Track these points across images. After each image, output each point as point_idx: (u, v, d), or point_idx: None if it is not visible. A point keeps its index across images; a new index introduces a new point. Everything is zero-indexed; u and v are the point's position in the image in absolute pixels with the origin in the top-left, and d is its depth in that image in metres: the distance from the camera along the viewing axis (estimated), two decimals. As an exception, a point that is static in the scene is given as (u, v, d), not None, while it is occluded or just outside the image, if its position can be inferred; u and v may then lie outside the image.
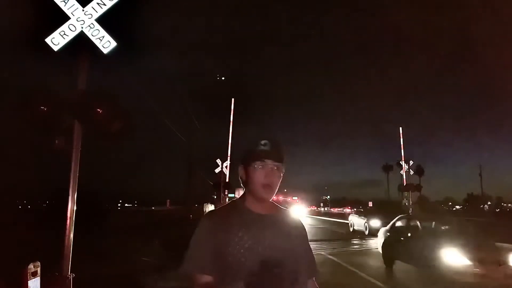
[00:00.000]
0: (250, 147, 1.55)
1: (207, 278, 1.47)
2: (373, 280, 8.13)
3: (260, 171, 1.52)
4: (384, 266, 9.78)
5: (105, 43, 4.37)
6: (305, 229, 1.70)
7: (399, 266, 9.40)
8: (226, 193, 23.92)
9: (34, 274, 3.67)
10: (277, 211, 1.64)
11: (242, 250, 1.45)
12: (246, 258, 1.44)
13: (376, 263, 10.37)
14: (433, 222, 9.42)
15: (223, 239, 1.47)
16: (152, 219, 27.48)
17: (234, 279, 1.42)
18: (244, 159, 1.57)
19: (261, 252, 1.46)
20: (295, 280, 1.51)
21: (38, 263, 3.75)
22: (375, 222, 20.14)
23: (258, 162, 1.52)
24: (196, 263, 1.49)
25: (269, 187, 1.52)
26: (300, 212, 42.41)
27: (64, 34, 4.34)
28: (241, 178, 1.60)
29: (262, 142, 1.53)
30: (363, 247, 14.66)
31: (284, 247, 1.51)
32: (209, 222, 1.56)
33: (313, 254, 1.71)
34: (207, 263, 1.47)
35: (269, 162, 1.52)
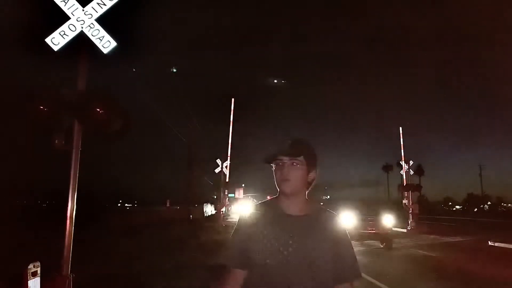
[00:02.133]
0: (273, 146, 1.67)
1: (239, 272, 1.55)
2: (376, 283, 8.13)
3: (278, 168, 1.61)
4: (384, 266, 9.80)
5: (105, 43, 4.37)
6: (345, 231, 1.67)
7: (400, 266, 9.39)
8: (226, 193, 23.93)
9: (34, 274, 3.67)
10: (313, 211, 1.65)
11: (264, 249, 1.49)
12: (266, 257, 1.49)
13: (376, 262, 10.38)
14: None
15: (253, 236, 1.54)
16: (152, 219, 27.45)
17: (259, 277, 1.49)
18: (268, 158, 1.67)
19: (281, 251, 1.50)
20: (319, 280, 1.51)
21: (38, 263, 3.75)
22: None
23: (276, 159, 1.62)
24: (233, 257, 1.57)
25: (286, 182, 1.59)
26: None
27: (64, 34, 4.34)
28: (274, 177, 1.67)
29: (283, 140, 1.65)
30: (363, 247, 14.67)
31: (309, 248, 1.52)
32: (247, 218, 1.65)
33: (354, 257, 1.67)
34: (242, 258, 1.54)
35: (285, 159, 1.60)
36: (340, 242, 1.63)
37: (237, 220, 1.69)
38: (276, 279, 1.47)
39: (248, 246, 1.53)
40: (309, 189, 1.66)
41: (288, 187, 1.59)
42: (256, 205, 1.73)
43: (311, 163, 1.63)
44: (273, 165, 1.64)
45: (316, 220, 1.62)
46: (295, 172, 1.59)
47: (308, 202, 1.66)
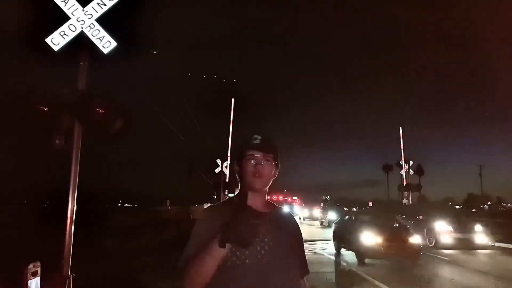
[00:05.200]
0: (242, 142, 1.65)
1: None
2: (376, 282, 8.13)
3: (250, 162, 1.59)
4: (384, 266, 9.78)
5: (105, 43, 4.38)
6: (299, 228, 1.72)
7: (400, 266, 9.39)
8: (226, 193, 23.92)
9: (34, 274, 3.67)
10: (272, 209, 1.67)
11: (233, 248, 1.44)
12: (244, 255, 1.46)
13: (376, 262, 10.38)
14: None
15: (217, 233, 1.47)
16: (152, 219, 27.44)
17: (226, 275, 1.44)
18: (237, 153, 1.66)
19: (259, 250, 1.48)
20: (287, 278, 1.52)
21: (38, 263, 3.75)
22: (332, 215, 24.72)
23: (248, 154, 1.60)
24: (190, 256, 1.51)
25: (258, 176, 1.58)
26: (299, 213, 41.83)
27: (64, 34, 4.34)
28: (236, 172, 1.66)
29: (253, 136, 1.62)
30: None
31: (276, 244, 1.53)
32: (205, 217, 1.64)
33: (305, 254, 1.73)
34: None
35: (258, 153, 1.59)
36: (298, 238, 1.68)
37: (197, 218, 1.65)
38: (256, 279, 1.45)
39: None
40: (268, 185, 1.66)
41: (260, 182, 1.59)
42: (217, 203, 1.72)
43: (277, 161, 1.64)
44: (240, 160, 1.61)
45: (279, 217, 1.65)
46: (267, 168, 1.59)
47: (267, 200, 1.68)
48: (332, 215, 25.93)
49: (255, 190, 1.59)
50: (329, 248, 13.62)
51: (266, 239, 1.51)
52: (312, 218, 37.23)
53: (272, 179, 1.65)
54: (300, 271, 1.63)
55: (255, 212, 1.51)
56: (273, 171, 1.63)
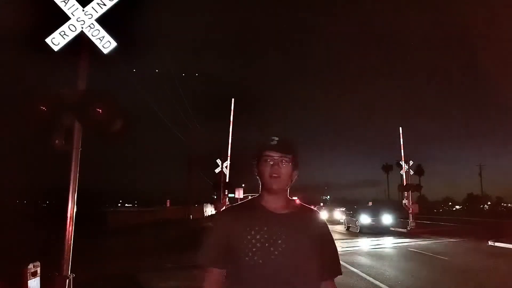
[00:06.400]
0: (260, 143, 1.65)
1: (219, 272, 1.53)
2: (376, 282, 8.13)
3: (268, 163, 1.59)
4: (386, 267, 9.80)
5: (105, 43, 4.37)
6: (327, 227, 1.69)
7: (401, 267, 9.37)
8: (226, 193, 23.90)
9: (34, 274, 3.67)
10: (296, 209, 1.65)
11: (254, 249, 1.47)
12: (257, 256, 1.47)
13: (378, 263, 10.38)
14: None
15: (236, 235, 1.51)
16: (152, 219, 27.46)
17: (245, 277, 1.47)
18: (255, 154, 1.65)
19: (272, 251, 1.48)
20: (307, 280, 1.51)
21: (38, 263, 3.75)
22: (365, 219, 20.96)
23: (265, 155, 1.60)
24: (209, 256, 1.55)
25: (276, 178, 1.57)
26: None
27: (64, 34, 4.34)
28: (255, 173, 1.66)
29: (270, 138, 1.63)
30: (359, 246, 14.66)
31: (298, 247, 1.52)
32: (224, 218, 1.65)
33: (336, 254, 1.69)
34: (219, 257, 1.52)
35: (275, 154, 1.59)
36: (324, 239, 1.64)
37: (213, 220, 1.69)
38: (269, 280, 1.46)
39: (232, 246, 1.51)
40: (289, 186, 1.66)
41: (278, 183, 1.58)
42: (236, 204, 1.73)
43: (296, 162, 1.64)
44: (258, 161, 1.62)
45: (300, 217, 1.62)
46: (284, 169, 1.59)
47: (290, 200, 1.66)
48: (365, 218, 20.85)
49: (272, 191, 1.59)
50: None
51: (279, 241, 1.50)
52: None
53: (292, 180, 1.64)
54: (323, 273, 1.59)
55: (270, 213, 1.56)
56: (292, 172, 1.62)
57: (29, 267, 3.62)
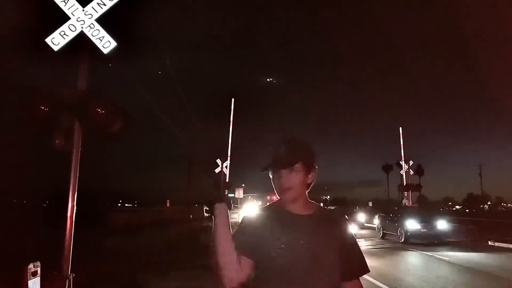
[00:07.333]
0: (269, 153, 1.63)
1: (246, 260, 1.53)
2: (376, 282, 8.12)
3: (276, 177, 1.60)
4: (387, 269, 9.77)
5: (105, 43, 4.37)
6: (347, 228, 1.68)
7: (402, 268, 9.36)
8: (226, 193, 23.90)
9: (34, 274, 3.66)
10: (317, 210, 1.65)
11: (278, 250, 1.48)
12: (281, 258, 1.48)
13: (377, 262, 10.38)
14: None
15: (262, 237, 1.52)
16: (152, 219, 27.47)
17: (269, 277, 1.48)
18: (265, 168, 1.64)
19: (296, 253, 1.49)
20: (331, 280, 1.52)
21: (38, 263, 3.74)
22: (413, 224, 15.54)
23: (273, 169, 1.60)
24: (241, 243, 1.54)
25: (286, 190, 1.57)
26: None
27: (64, 34, 4.33)
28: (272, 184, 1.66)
29: (277, 147, 1.61)
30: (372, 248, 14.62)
31: (321, 247, 1.52)
32: (251, 218, 1.64)
33: (361, 253, 1.68)
34: (248, 247, 1.52)
35: (281, 168, 1.57)
36: (347, 239, 1.63)
37: (240, 221, 1.67)
38: (292, 280, 1.47)
39: (258, 247, 1.51)
40: (309, 188, 1.64)
41: (289, 195, 1.57)
42: (261, 208, 1.72)
43: (309, 165, 1.60)
44: (272, 172, 1.61)
45: (322, 219, 1.61)
46: (294, 179, 1.56)
47: (310, 202, 1.65)
48: (413, 224, 15.48)
49: (288, 201, 1.59)
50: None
51: (302, 241, 1.51)
52: None
53: (310, 183, 1.62)
54: (348, 273, 1.59)
55: (292, 215, 1.57)
56: (305, 178, 1.59)
57: (29, 267, 3.61)
